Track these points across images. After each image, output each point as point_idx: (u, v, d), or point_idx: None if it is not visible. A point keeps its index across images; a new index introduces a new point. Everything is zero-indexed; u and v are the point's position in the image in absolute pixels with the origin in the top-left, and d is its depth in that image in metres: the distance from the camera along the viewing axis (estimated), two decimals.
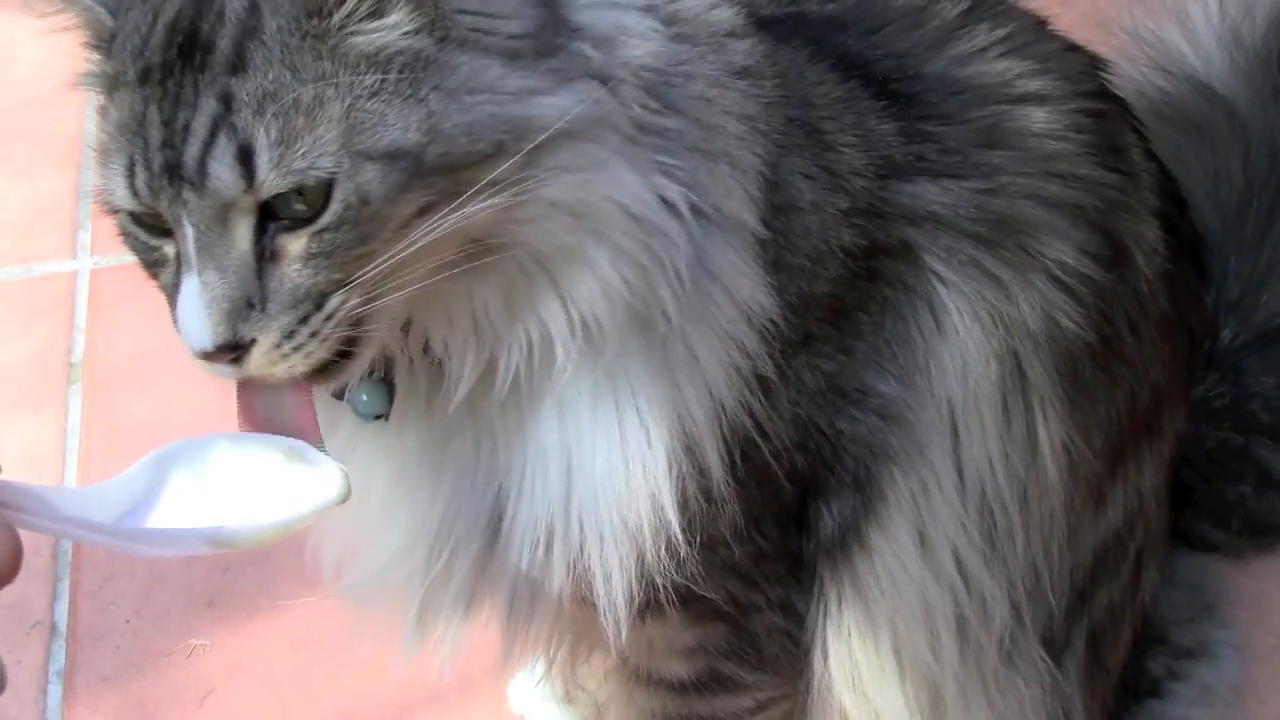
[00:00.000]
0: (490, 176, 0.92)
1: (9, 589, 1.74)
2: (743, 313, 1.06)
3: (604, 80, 0.97)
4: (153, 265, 0.97)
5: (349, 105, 0.90)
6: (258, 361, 0.92)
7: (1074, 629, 1.33)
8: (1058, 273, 1.17)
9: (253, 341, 0.91)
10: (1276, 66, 1.70)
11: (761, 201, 1.07)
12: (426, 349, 1.04)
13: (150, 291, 1.00)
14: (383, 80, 0.91)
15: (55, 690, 1.69)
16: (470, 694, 1.64)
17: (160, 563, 1.78)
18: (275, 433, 0.95)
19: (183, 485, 0.92)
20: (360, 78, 0.90)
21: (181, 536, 0.91)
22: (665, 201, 1.01)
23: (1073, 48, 1.28)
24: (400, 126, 0.90)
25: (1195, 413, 1.61)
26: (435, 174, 0.91)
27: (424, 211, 0.92)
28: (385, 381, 1.07)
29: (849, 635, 1.23)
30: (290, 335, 0.92)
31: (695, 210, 1.03)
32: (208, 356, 0.92)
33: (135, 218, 0.96)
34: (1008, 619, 1.25)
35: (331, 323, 0.92)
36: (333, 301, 0.92)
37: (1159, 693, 1.54)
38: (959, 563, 1.21)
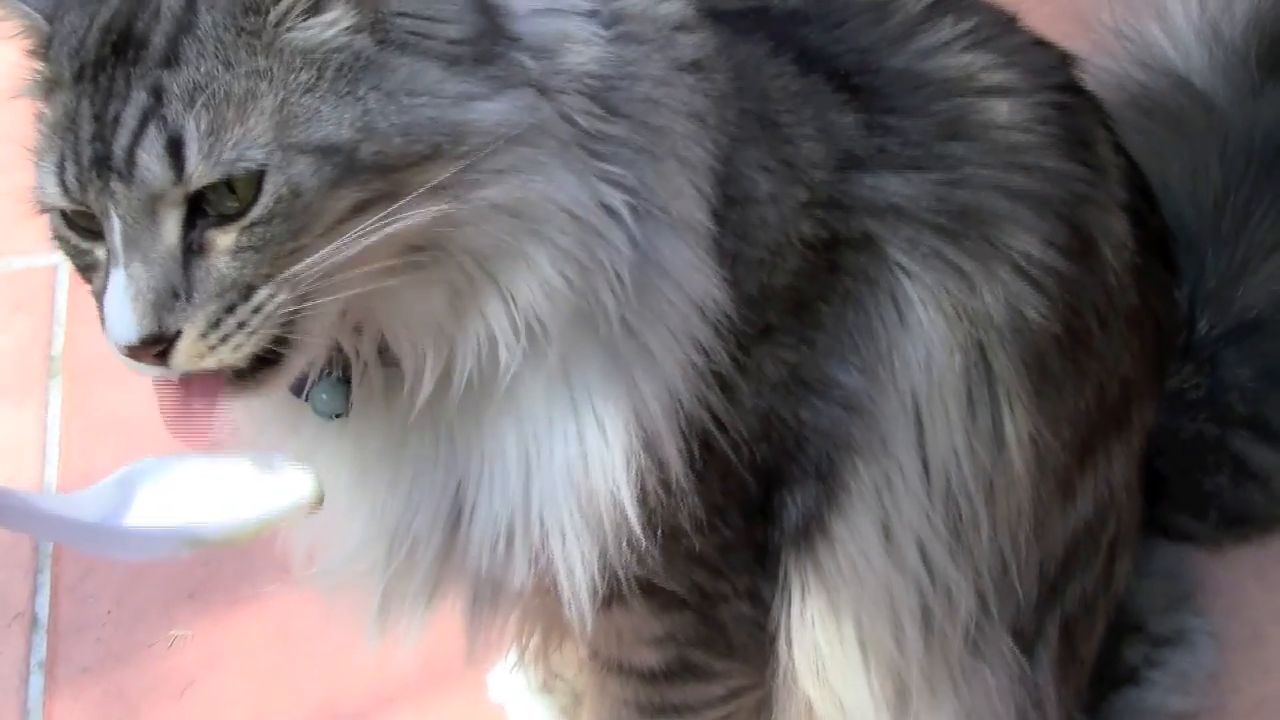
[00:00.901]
0: (427, 179, 0.92)
1: None
2: (696, 308, 1.06)
3: (542, 89, 0.97)
4: (85, 270, 0.97)
5: (282, 99, 0.90)
6: (185, 353, 0.91)
7: (1046, 619, 1.34)
8: (1023, 264, 1.17)
9: (178, 334, 0.91)
10: (1254, 63, 1.70)
11: (713, 197, 1.07)
12: (381, 350, 1.04)
13: None
14: (318, 76, 0.91)
15: (37, 681, 1.70)
16: (450, 684, 1.65)
17: None
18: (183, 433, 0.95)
19: (152, 497, 0.93)
20: (295, 73, 0.91)
21: (157, 537, 0.91)
22: (606, 207, 1.01)
23: (1040, 42, 1.28)
24: (334, 122, 0.90)
25: (1172, 404, 1.62)
26: (370, 172, 0.91)
27: (359, 210, 0.92)
28: (344, 381, 1.07)
29: (813, 625, 1.24)
30: (216, 325, 0.91)
31: (642, 212, 1.03)
32: (134, 352, 0.91)
33: (68, 219, 0.96)
34: (973, 609, 1.25)
35: (259, 316, 0.92)
36: (261, 294, 0.91)
37: (1136, 680, 1.54)
38: (923, 553, 1.21)
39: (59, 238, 0.98)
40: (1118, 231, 1.24)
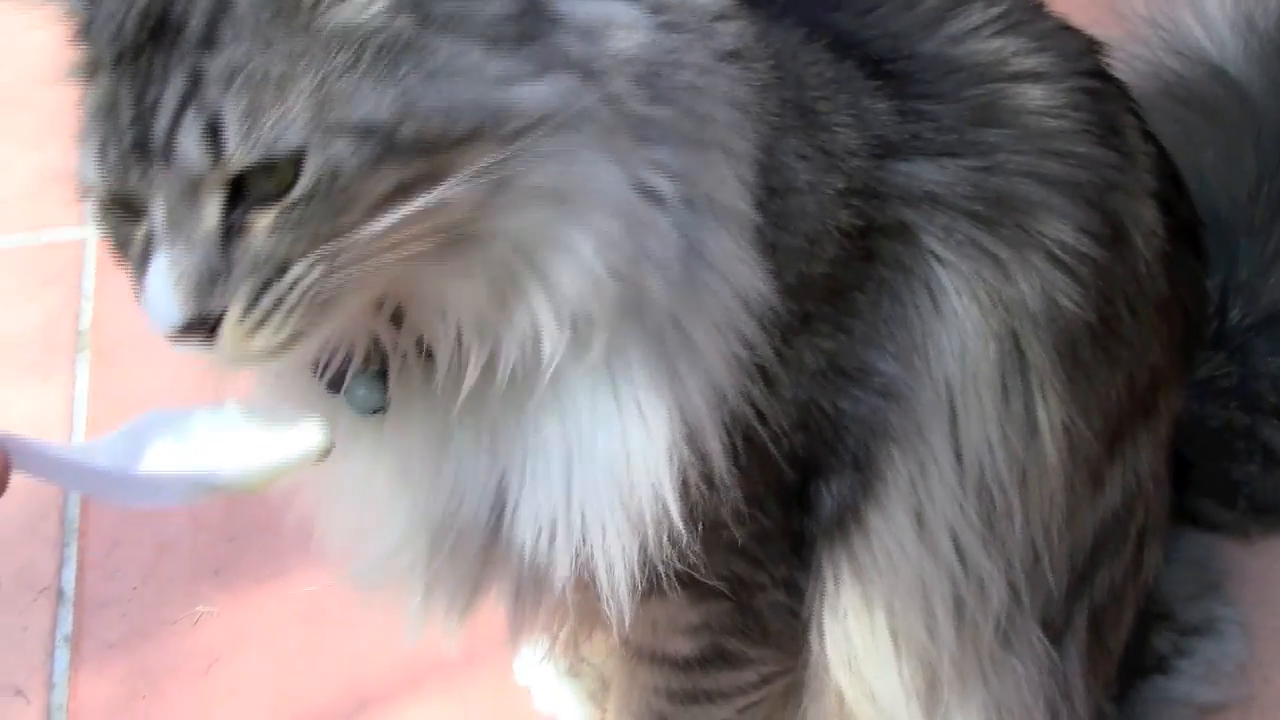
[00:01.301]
0: (469, 161, 0.91)
1: (16, 553, 1.76)
2: (741, 300, 1.05)
3: (586, 72, 0.96)
4: (124, 250, 0.96)
5: (321, 79, 0.89)
6: (230, 334, 0.90)
7: (1075, 610, 1.33)
8: (1057, 252, 1.16)
9: (221, 314, 0.90)
10: None
11: (756, 186, 1.06)
12: (419, 343, 1.04)
13: None
14: (357, 57, 0.90)
15: (62, 655, 1.70)
16: (476, 666, 1.65)
17: (167, 530, 1.79)
18: None
19: (164, 447, 0.93)
20: (334, 54, 0.89)
21: (170, 482, 0.91)
22: (651, 192, 0.99)
23: (1068, 27, 1.27)
24: (373, 102, 0.89)
25: (1202, 392, 1.61)
26: (410, 153, 0.90)
27: (400, 192, 0.91)
28: (381, 374, 1.06)
29: (845, 616, 1.23)
30: (254, 303, 0.90)
31: (686, 200, 1.01)
32: (178, 335, 0.90)
33: (109, 201, 0.95)
34: (1005, 600, 1.24)
35: (295, 292, 0.90)
36: (296, 269, 0.90)
37: (1164, 669, 1.54)
38: (956, 544, 1.21)
39: (101, 221, 0.97)
40: (1148, 219, 1.24)
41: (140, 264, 0.93)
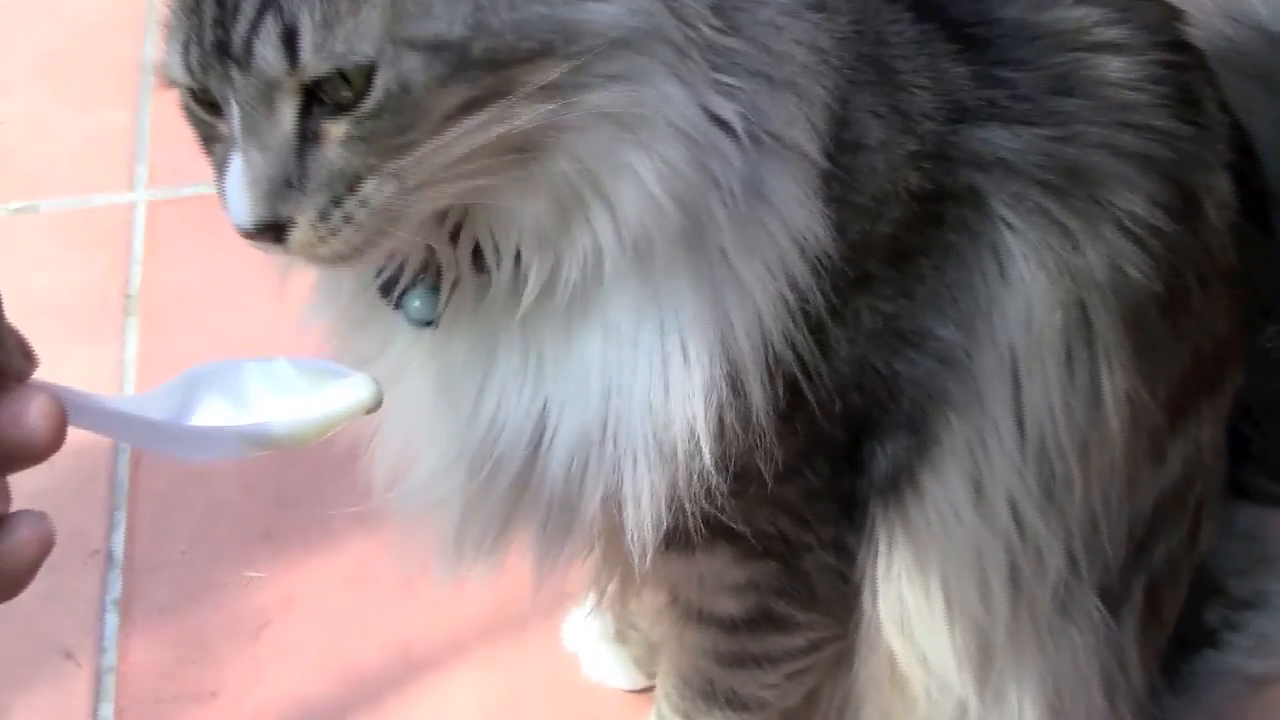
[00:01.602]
0: (538, 78, 0.91)
1: (66, 517, 1.77)
2: (796, 242, 1.05)
3: None
4: (208, 141, 0.98)
5: None
6: (299, 240, 0.92)
7: (1132, 581, 1.33)
8: (1128, 223, 1.15)
9: (290, 220, 0.92)
10: None
11: (826, 135, 1.06)
12: (476, 258, 1.04)
13: (206, 224, 1.01)
14: None
15: (112, 619, 1.71)
16: (524, 631, 1.66)
17: (216, 494, 1.79)
18: None
19: (214, 401, 0.93)
20: None
21: (221, 436, 0.91)
22: (719, 120, 0.99)
23: None
24: (446, 19, 0.89)
25: (1255, 364, 1.60)
26: (480, 69, 0.90)
27: (468, 107, 0.91)
28: (434, 289, 1.07)
29: (899, 578, 1.23)
30: (325, 216, 0.92)
31: (753, 135, 1.01)
32: (250, 236, 0.92)
33: (194, 95, 0.96)
34: (1063, 569, 1.24)
35: (366, 209, 0.92)
36: (368, 186, 0.92)
37: (1215, 643, 1.54)
38: (1014, 511, 1.20)
39: (185, 109, 0.98)
40: (1222, 190, 1.23)
41: (221, 162, 0.94)
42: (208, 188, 0.98)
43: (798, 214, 1.05)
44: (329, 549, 1.74)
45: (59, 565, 1.73)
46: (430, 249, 1.04)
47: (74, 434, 0.75)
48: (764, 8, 1.03)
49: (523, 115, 0.92)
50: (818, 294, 1.07)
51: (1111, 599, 1.30)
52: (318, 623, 1.70)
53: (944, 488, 1.20)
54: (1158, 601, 1.36)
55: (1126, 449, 1.22)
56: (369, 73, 0.90)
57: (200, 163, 0.99)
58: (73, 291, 2.01)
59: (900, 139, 1.11)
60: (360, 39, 0.89)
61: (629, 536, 1.10)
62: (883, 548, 1.23)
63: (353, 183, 0.92)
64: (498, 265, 1.03)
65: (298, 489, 1.79)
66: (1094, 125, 1.15)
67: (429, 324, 1.08)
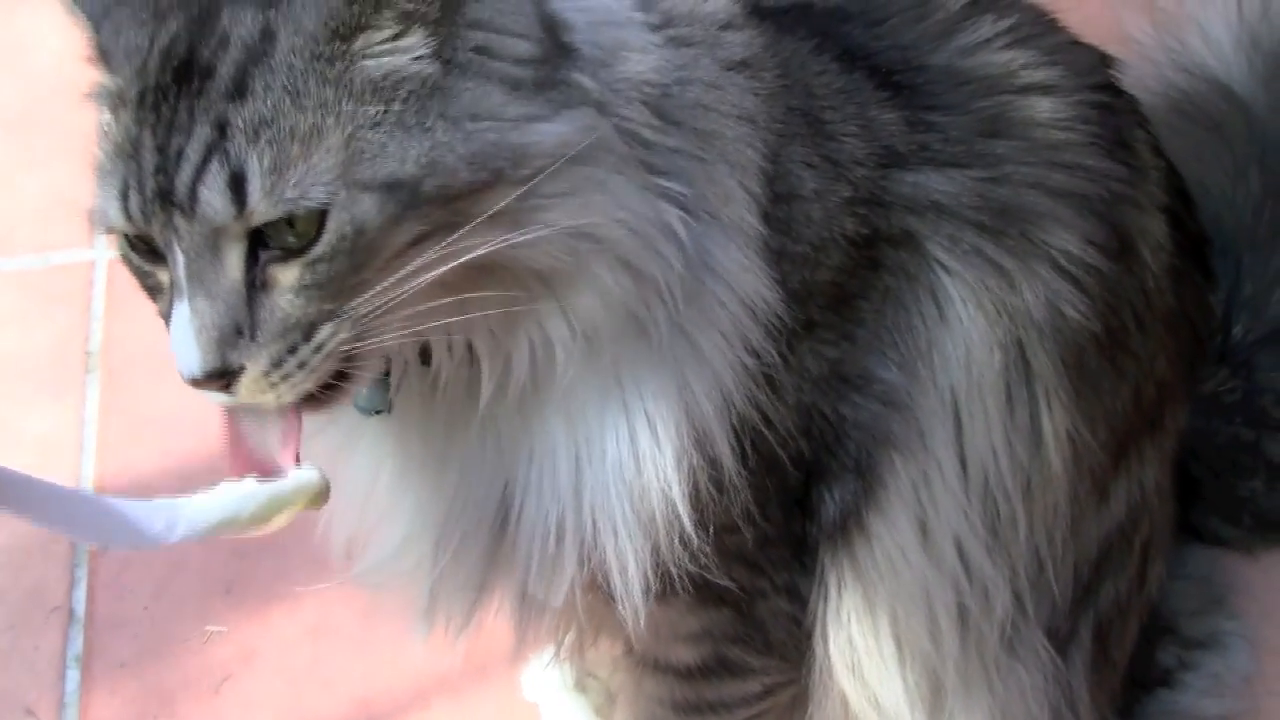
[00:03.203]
0: (487, 206, 0.92)
1: (27, 573, 1.76)
2: (747, 309, 1.07)
3: (601, 106, 0.98)
4: (150, 290, 0.98)
5: (349, 135, 0.90)
6: (246, 388, 0.92)
7: (1080, 622, 1.34)
8: (1063, 262, 1.17)
9: (241, 369, 0.91)
10: None
11: (762, 196, 1.08)
12: (421, 350, 1.05)
13: None
14: (386, 109, 0.91)
15: (73, 675, 1.71)
16: (484, 682, 1.66)
17: (177, 550, 1.79)
18: (259, 456, 0.96)
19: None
20: (364, 106, 0.91)
21: (158, 512, 0.92)
22: (663, 214, 1.01)
23: (1079, 42, 1.28)
24: (399, 158, 0.90)
25: (1206, 407, 1.62)
26: (432, 204, 0.91)
27: (419, 241, 0.92)
28: (385, 376, 1.07)
29: (849, 621, 1.24)
30: (278, 364, 0.92)
31: (695, 217, 1.03)
32: (197, 383, 0.92)
33: (131, 241, 0.96)
34: (1009, 608, 1.25)
35: (320, 354, 0.92)
36: (322, 333, 0.92)
37: (1170, 682, 1.55)
38: (960, 551, 1.22)
39: (123, 256, 0.98)
40: (1156, 233, 1.25)
41: (166, 311, 0.94)
42: None
43: (746, 281, 1.07)
44: (290, 602, 1.74)
45: (20, 622, 1.74)
46: None
47: None
48: (691, 87, 1.05)
49: (476, 244, 0.93)
50: (772, 353, 1.09)
51: (1059, 639, 1.31)
52: (279, 676, 1.70)
53: (891, 530, 1.21)
54: (1106, 641, 1.37)
55: (1070, 488, 1.23)
56: (320, 217, 0.90)
57: None
58: (34, 349, 2.01)
59: (834, 186, 1.13)
60: (313, 184, 0.89)
61: (619, 604, 1.12)
62: (832, 591, 1.24)
63: (309, 330, 0.92)
64: (450, 358, 1.04)
65: (258, 543, 1.77)
66: (1025, 165, 1.17)
67: (379, 411, 1.09)
